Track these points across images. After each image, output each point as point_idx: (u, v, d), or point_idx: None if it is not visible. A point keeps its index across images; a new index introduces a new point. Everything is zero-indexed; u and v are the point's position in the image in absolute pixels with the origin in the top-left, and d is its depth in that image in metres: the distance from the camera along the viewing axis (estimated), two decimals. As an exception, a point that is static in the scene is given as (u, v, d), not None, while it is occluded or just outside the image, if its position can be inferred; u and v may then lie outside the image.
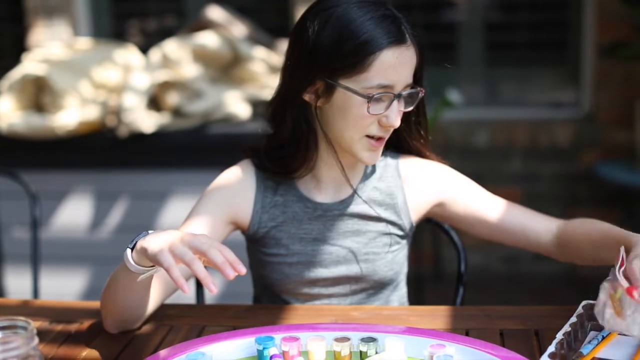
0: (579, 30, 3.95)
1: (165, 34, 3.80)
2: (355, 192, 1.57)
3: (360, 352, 1.27)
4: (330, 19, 1.42)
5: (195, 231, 1.46)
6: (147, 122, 3.08)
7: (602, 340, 1.25)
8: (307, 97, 1.47)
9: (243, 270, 1.18)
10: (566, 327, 1.31)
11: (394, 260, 1.61)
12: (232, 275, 1.16)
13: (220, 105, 3.16)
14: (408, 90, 1.45)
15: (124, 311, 1.39)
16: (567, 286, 3.69)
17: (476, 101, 4.10)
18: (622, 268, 1.24)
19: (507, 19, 4.13)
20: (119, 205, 3.17)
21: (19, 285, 3.20)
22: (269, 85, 3.26)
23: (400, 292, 1.68)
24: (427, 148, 1.61)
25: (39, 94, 3.25)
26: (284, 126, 1.52)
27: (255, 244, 1.61)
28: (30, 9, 4.10)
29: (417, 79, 1.48)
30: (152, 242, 1.22)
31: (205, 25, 3.47)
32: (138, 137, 3.09)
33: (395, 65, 1.41)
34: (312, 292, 1.60)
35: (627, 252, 1.30)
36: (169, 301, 1.50)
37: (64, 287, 3.20)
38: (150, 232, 1.27)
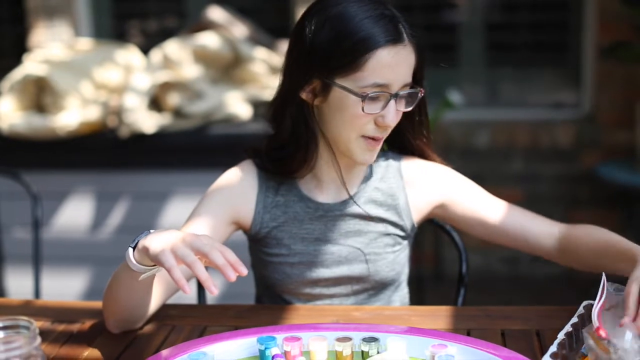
0: (579, 31, 3.95)
1: (166, 34, 3.80)
2: (351, 197, 1.57)
3: (362, 352, 1.27)
4: (328, 18, 1.43)
5: (197, 231, 1.46)
6: (148, 122, 3.09)
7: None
8: (304, 95, 1.47)
9: (244, 271, 1.18)
10: (567, 327, 1.31)
11: (395, 260, 1.61)
12: (233, 277, 1.16)
13: (221, 105, 3.17)
14: (406, 90, 1.45)
15: (125, 311, 1.39)
16: (567, 287, 3.68)
17: (477, 102, 4.10)
18: (601, 302, 1.24)
19: (508, 20, 4.13)
20: (120, 206, 3.17)
21: (20, 285, 3.21)
22: (269, 86, 3.26)
23: (401, 293, 1.68)
24: (430, 148, 1.61)
25: (40, 95, 3.26)
26: (283, 126, 1.52)
27: (257, 244, 1.61)
28: (31, 9, 4.11)
29: (418, 79, 1.48)
30: (154, 241, 1.22)
31: (206, 25, 3.47)
32: (139, 138, 3.09)
33: (391, 64, 1.41)
34: (314, 292, 1.60)
35: (627, 262, 1.31)
36: (170, 301, 1.50)
37: (65, 287, 3.20)
38: (152, 231, 1.27)
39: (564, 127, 3.91)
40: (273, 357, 1.23)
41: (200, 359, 1.24)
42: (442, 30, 4.14)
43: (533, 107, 4.08)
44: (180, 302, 1.57)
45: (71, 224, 3.20)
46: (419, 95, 1.47)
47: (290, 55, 1.50)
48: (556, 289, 3.74)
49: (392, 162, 1.62)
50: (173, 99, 3.17)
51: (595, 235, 1.49)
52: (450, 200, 1.60)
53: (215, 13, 3.50)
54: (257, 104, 3.26)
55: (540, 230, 1.56)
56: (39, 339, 1.11)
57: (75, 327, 1.47)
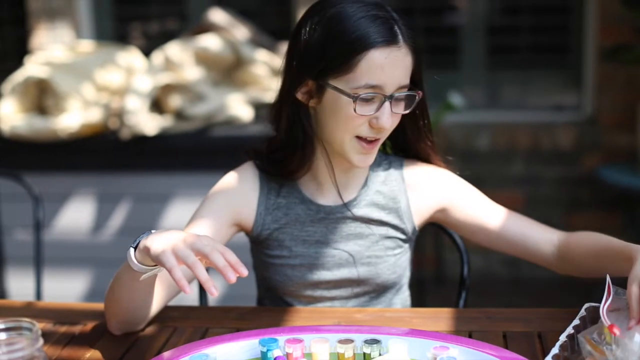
0: (581, 33, 3.95)
1: (167, 36, 3.80)
2: (345, 205, 1.57)
3: (364, 354, 1.27)
4: (323, 19, 1.43)
5: (199, 233, 1.46)
6: (149, 124, 3.09)
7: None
8: (300, 96, 1.48)
9: (245, 272, 1.18)
10: (569, 330, 1.31)
11: (396, 263, 1.61)
12: (233, 279, 1.16)
13: (222, 107, 3.17)
14: (402, 92, 1.44)
15: (127, 312, 1.39)
16: (567, 290, 3.68)
17: (478, 104, 4.10)
18: (607, 303, 1.24)
19: (509, 23, 4.13)
20: (121, 208, 3.18)
21: (21, 287, 3.21)
22: (271, 88, 3.27)
23: (402, 296, 1.68)
24: (434, 152, 1.61)
25: (41, 97, 3.26)
26: (281, 127, 1.53)
27: (258, 245, 1.61)
28: (32, 11, 4.11)
29: (416, 81, 1.48)
30: (155, 242, 1.22)
31: (208, 28, 3.47)
32: (140, 140, 3.09)
33: (383, 65, 1.40)
34: (315, 295, 1.60)
35: (625, 261, 1.31)
36: (172, 303, 1.50)
37: (66, 289, 3.20)
38: (153, 231, 1.27)
39: (565, 130, 3.91)
40: (275, 359, 1.23)
41: (202, 361, 1.25)
42: (443, 33, 4.14)
43: (534, 109, 4.08)
44: (182, 303, 1.58)
45: (73, 225, 3.20)
46: (417, 97, 1.46)
47: (286, 57, 1.51)
48: (557, 291, 3.74)
49: (394, 166, 1.62)
50: (174, 101, 3.18)
51: (592, 239, 1.49)
52: (451, 204, 1.60)
53: (217, 15, 3.51)
54: (258, 106, 3.26)
55: (540, 237, 1.56)
56: (41, 341, 1.11)
57: (77, 328, 1.47)
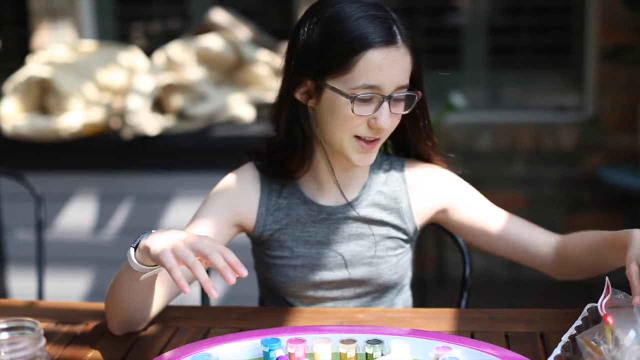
0: (582, 34, 3.95)
1: (169, 36, 3.81)
2: (349, 204, 1.57)
3: (366, 354, 1.27)
4: (322, 19, 1.43)
5: (200, 233, 1.46)
6: (151, 124, 3.09)
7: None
8: (298, 96, 1.48)
9: (244, 272, 1.18)
10: (572, 330, 1.31)
11: (398, 263, 1.61)
12: (232, 280, 1.16)
13: (224, 108, 3.17)
14: (401, 93, 1.43)
15: (128, 312, 1.39)
16: (568, 290, 3.67)
17: (479, 105, 4.10)
18: (606, 299, 1.25)
19: (511, 23, 4.13)
20: (122, 208, 3.18)
21: (23, 286, 3.21)
22: (272, 88, 3.26)
23: (404, 296, 1.68)
24: (435, 152, 1.61)
25: (43, 96, 3.26)
26: (280, 127, 1.53)
27: (260, 246, 1.61)
28: (34, 11, 4.11)
29: (416, 82, 1.47)
30: (155, 241, 1.22)
31: (210, 28, 3.47)
32: (142, 140, 3.09)
33: (381, 65, 1.39)
34: (317, 295, 1.60)
35: (621, 248, 1.33)
36: (174, 303, 1.50)
37: (68, 288, 3.20)
38: (153, 231, 1.27)
39: (566, 130, 3.91)
40: (277, 359, 1.23)
41: (204, 361, 1.25)
42: (444, 33, 4.14)
43: (536, 110, 4.08)
44: (184, 303, 1.58)
45: (74, 225, 3.20)
46: (416, 98, 1.46)
47: (285, 57, 1.51)
48: (558, 292, 3.73)
49: (395, 166, 1.62)
50: (176, 101, 3.18)
51: (586, 235, 1.51)
52: (452, 205, 1.60)
53: (219, 15, 3.51)
54: (260, 106, 3.26)
55: (539, 239, 1.57)
56: (43, 340, 1.11)
57: (79, 328, 1.47)
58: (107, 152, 3.19)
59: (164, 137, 3.11)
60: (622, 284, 1.31)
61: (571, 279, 1.57)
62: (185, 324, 1.47)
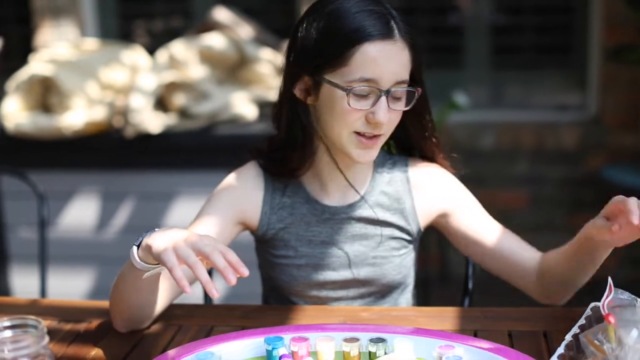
0: (585, 33, 3.95)
1: (172, 35, 3.80)
2: (362, 197, 1.57)
3: (370, 352, 1.27)
4: (321, 15, 1.44)
5: (204, 232, 1.46)
6: (153, 123, 3.09)
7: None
8: (297, 93, 1.48)
9: (246, 272, 1.18)
10: (575, 329, 1.31)
11: (401, 263, 1.61)
12: (233, 281, 1.16)
13: (226, 106, 3.17)
14: (400, 88, 1.43)
15: (131, 310, 1.39)
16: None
17: (482, 104, 4.10)
18: (608, 299, 1.25)
19: (513, 22, 4.13)
20: (125, 206, 3.18)
21: (26, 284, 3.21)
22: (275, 87, 3.26)
23: (408, 295, 1.68)
24: (438, 149, 1.60)
25: (46, 95, 3.26)
26: (281, 125, 1.54)
27: (264, 245, 1.61)
28: (37, 9, 4.11)
29: (416, 79, 1.47)
30: (157, 240, 1.22)
31: (212, 26, 3.47)
32: (144, 138, 3.09)
33: (377, 59, 1.40)
34: (321, 295, 1.60)
35: (589, 241, 1.37)
36: (177, 301, 1.51)
37: (70, 286, 3.21)
38: (156, 229, 1.27)
39: (569, 130, 3.91)
40: (280, 357, 1.23)
41: (207, 359, 1.24)
42: (447, 33, 4.13)
43: (538, 109, 4.08)
44: (187, 302, 1.58)
45: (77, 223, 3.20)
46: (416, 94, 1.46)
47: (285, 54, 1.52)
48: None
49: (398, 166, 1.61)
50: (179, 100, 3.18)
51: (558, 247, 1.52)
52: (453, 211, 1.60)
53: (221, 14, 3.51)
54: (262, 105, 3.26)
55: (527, 255, 1.58)
56: (47, 338, 1.11)
57: (82, 326, 1.47)
58: (109, 151, 3.19)
59: (166, 136, 3.11)
60: (624, 285, 1.31)
61: (554, 300, 1.57)
62: (188, 322, 1.47)
